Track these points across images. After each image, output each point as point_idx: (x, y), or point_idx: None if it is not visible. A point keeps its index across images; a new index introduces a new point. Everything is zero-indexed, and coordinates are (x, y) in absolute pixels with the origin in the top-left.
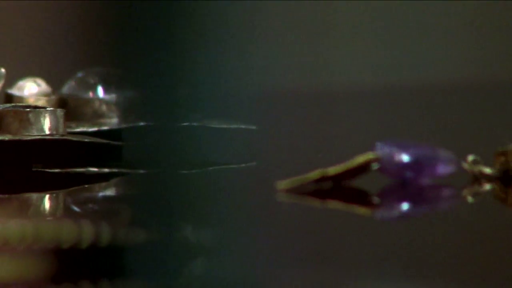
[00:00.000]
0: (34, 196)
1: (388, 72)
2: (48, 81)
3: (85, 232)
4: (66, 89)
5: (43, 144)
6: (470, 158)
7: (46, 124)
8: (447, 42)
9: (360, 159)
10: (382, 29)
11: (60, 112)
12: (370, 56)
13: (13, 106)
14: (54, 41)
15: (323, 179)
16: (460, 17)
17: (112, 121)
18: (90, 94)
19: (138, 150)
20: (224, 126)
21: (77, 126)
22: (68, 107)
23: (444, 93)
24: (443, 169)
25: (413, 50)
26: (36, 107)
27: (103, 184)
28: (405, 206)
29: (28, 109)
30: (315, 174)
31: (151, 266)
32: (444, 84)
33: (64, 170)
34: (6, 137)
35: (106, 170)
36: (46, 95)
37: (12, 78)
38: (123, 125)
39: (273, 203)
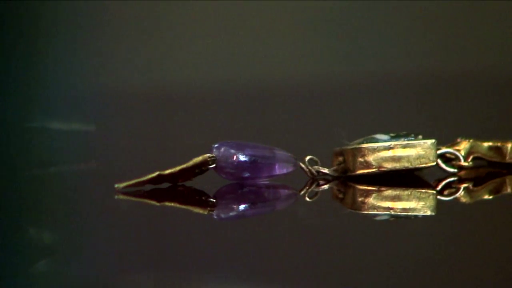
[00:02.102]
0: None
1: (230, 72)
2: None
3: None
4: None
5: None
6: (308, 158)
7: None
8: (290, 43)
9: (197, 159)
10: (216, 29)
11: None
12: (209, 55)
13: None
14: None
15: (160, 179)
16: (296, 17)
17: None
18: None
19: None
20: (64, 126)
21: None
22: None
23: (281, 94)
24: (280, 169)
25: (256, 51)
26: None
27: None
28: (242, 206)
29: None
30: (152, 174)
31: None
32: (281, 85)
33: None
34: None
35: None
36: None
37: None
38: None
39: (112, 203)
